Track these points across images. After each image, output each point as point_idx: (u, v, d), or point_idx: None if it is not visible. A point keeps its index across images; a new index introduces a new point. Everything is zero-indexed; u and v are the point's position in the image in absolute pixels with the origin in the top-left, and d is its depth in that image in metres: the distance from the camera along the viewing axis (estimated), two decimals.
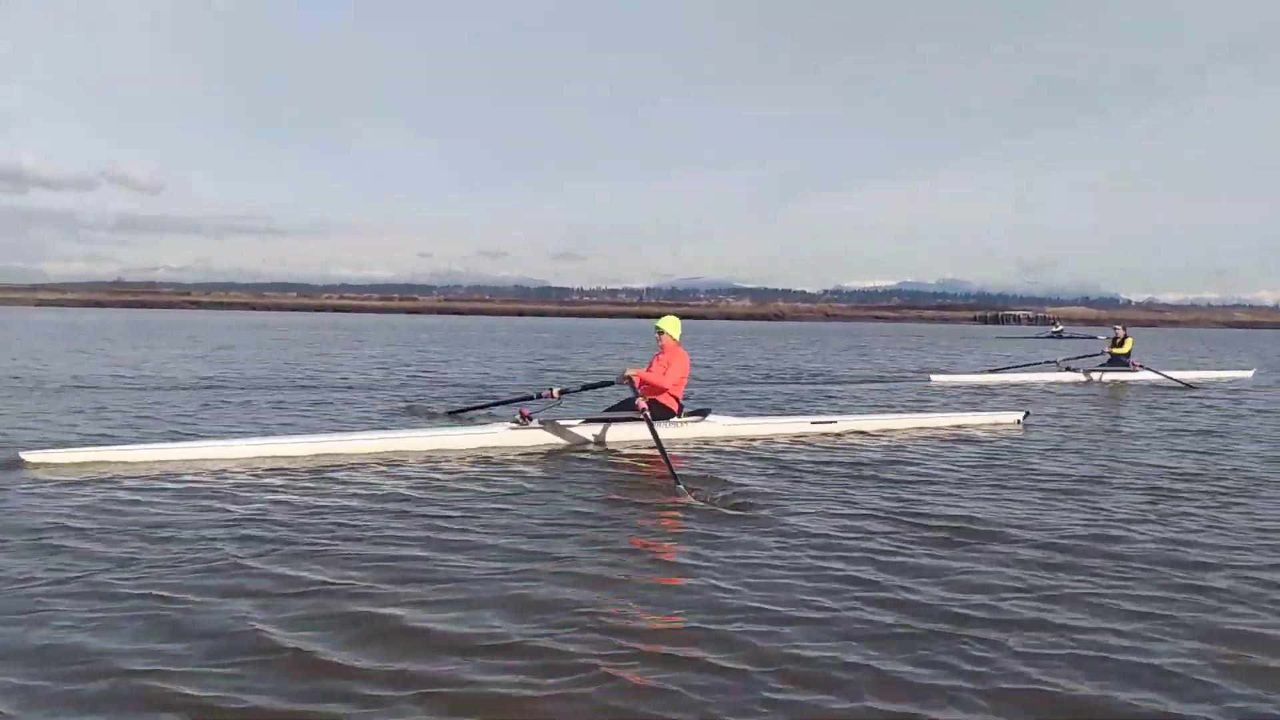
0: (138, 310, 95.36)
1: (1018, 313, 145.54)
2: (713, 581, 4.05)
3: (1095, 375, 16.61)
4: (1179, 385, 16.03)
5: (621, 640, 3.34)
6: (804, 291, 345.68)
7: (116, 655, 3.14)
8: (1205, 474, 7.11)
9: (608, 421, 8.02)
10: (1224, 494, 6.31)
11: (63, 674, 2.98)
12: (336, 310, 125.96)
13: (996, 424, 9.82)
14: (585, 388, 8.83)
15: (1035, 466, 7.33)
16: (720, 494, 5.92)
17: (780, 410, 11.09)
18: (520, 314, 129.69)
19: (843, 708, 2.87)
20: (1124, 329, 17.49)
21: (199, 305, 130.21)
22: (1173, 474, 7.10)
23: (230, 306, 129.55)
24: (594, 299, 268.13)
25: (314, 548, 4.44)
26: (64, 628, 3.38)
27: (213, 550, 4.35)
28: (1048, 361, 17.96)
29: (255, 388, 12.58)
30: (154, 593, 3.75)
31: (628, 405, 7.86)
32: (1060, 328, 56.16)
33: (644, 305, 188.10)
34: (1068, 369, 16.83)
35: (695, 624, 3.53)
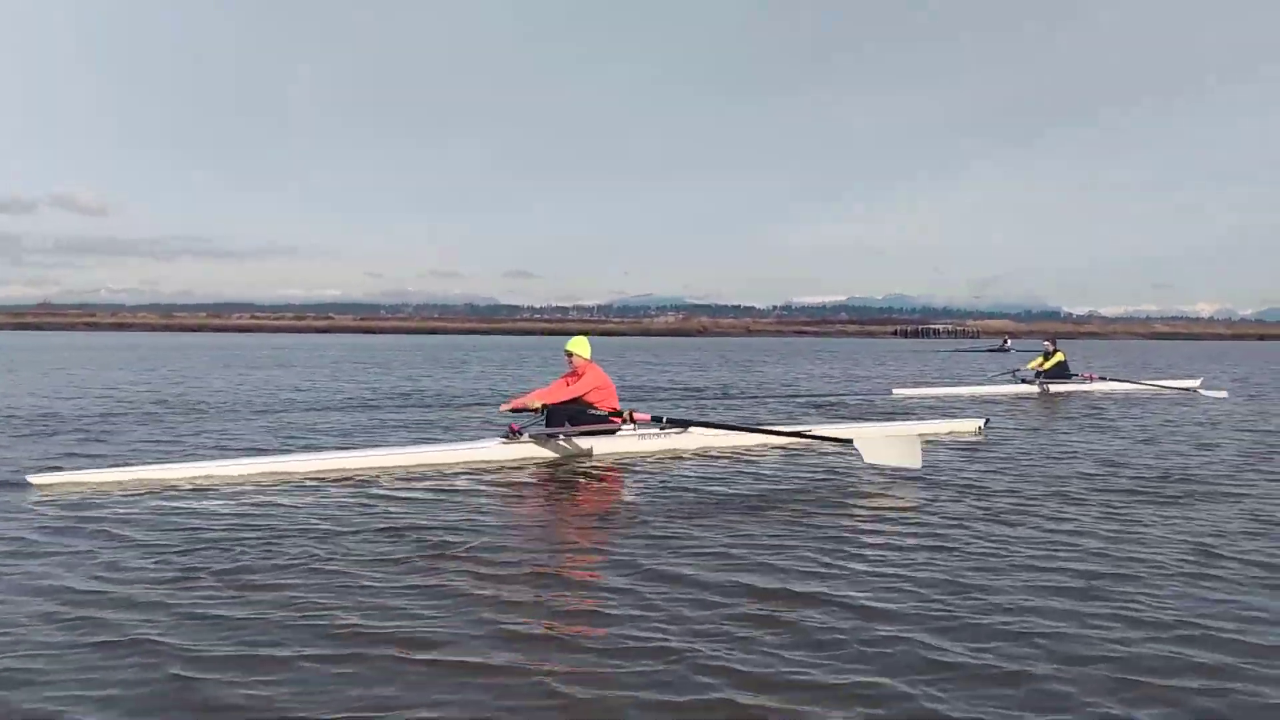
0: (34, 333, 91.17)
1: (937, 326, 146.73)
2: (706, 583, 4.17)
3: (1050, 387, 16.92)
4: (1131, 393, 16.51)
5: (612, 649, 3.39)
6: (754, 307, 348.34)
7: (122, 672, 3.16)
8: (1154, 475, 7.37)
9: (596, 434, 8.14)
10: (1176, 495, 6.53)
11: (60, 689, 3.01)
12: (242, 331, 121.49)
13: (958, 431, 10.24)
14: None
15: (998, 469, 7.66)
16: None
17: (758, 420, 11.60)
18: (435, 332, 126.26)
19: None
20: (1053, 343, 17.69)
21: (96, 327, 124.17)
22: (1122, 475, 7.36)
23: (133, 328, 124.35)
24: (545, 317, 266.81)
25: (313, 564, 4.44)
26: (68, 645, 3.42)
27: (202, 566, 4.38)
28: (1004, 374, 18.28)
29: None
30: (155, 615, 3.75)
31: (601, 419, 8.02)
32: (1007, 341, 56.99)
33: (591, 322, 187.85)
34: (1023, 381, 17.20)
35: (693, 625, 3.62)
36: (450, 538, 5.03)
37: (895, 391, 16.56)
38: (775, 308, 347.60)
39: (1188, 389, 17.78)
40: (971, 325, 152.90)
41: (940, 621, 3.68)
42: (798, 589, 4.10)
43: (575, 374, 8.22)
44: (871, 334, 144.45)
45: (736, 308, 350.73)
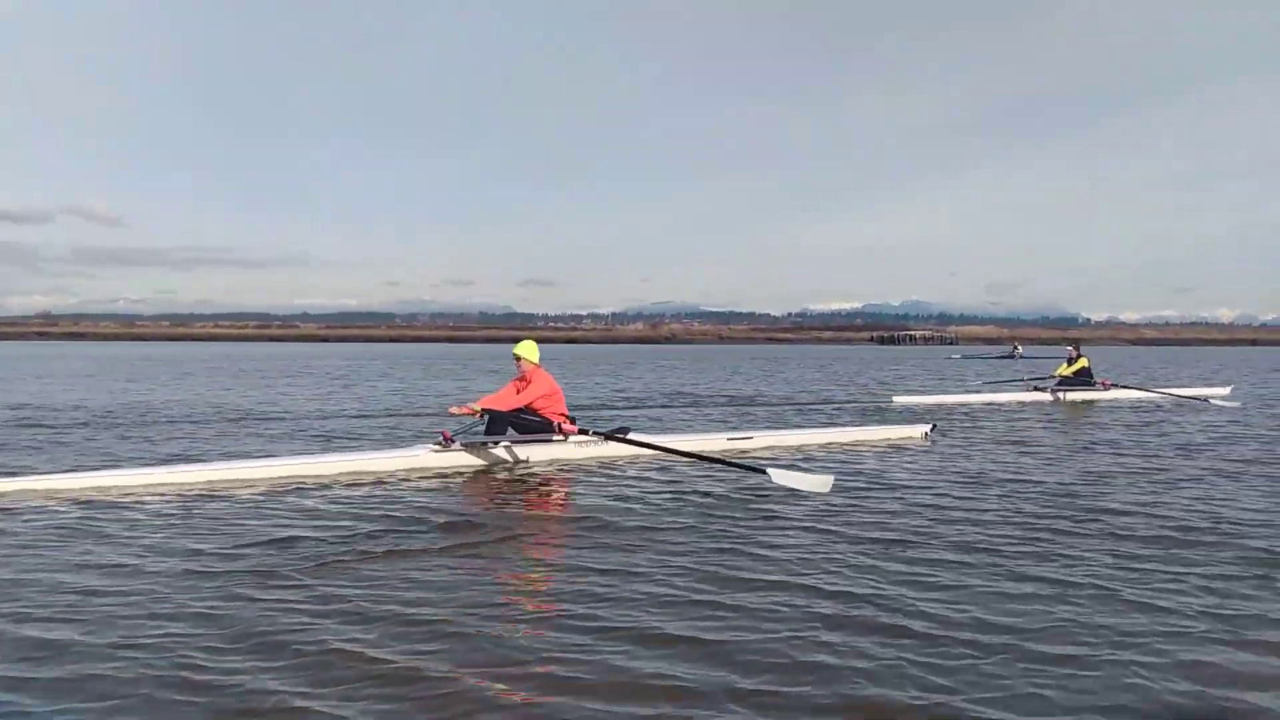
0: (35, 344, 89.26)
1: (914, 332, 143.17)
2: (609, 590, 4.16)
3: (1061, 395, 16.31)
4: (1148, 401, 16.02)
5: (546, 663, 3.32)
6: (769, 315, 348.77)
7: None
8: (1079, 488, 7.08)
9: (530, 442, 8.03)
10: (1085, 512, 6.22)
11: None
12: (211, 339, 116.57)
13: (904, 437, 10.13)
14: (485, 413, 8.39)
15: (915, 477, 7.57)
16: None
17: (704, 428, 11.43)
18: (448, 340, 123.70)
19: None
20: (1077, 349, 17.25)
21: (48, 336, 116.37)
22: (1052, 486, 7.14)
23: (102, 337, 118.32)
24: (560, 325, 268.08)
25: (226, 575, 4.37)
26: None
27: (113, 582, 4.27)
28: (1015, 381, 17.52)
29: None
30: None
31: (546, 427, 7.95)
32: (1017, 347, 55.99)
33: (608, 330, 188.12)
34: (1035, 388, 16.63)
35: (614, 627, 3.62)
36: (367, 545, 4.94)
37: (896, 399, 16.05)
38: (790, 314, 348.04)
39: (1203, 398, 17.10)
40: (950, 332, 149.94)
41: (844, 632, 3.66)
42: (717, 599, 4.07)
43: (524, 379, 8.09)
44: (849, 340, 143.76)
45: (752, 314, 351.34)
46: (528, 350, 8.17)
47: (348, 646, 3.40)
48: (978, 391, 17.61)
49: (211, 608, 3.84)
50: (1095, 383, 16.81)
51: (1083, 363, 16.78)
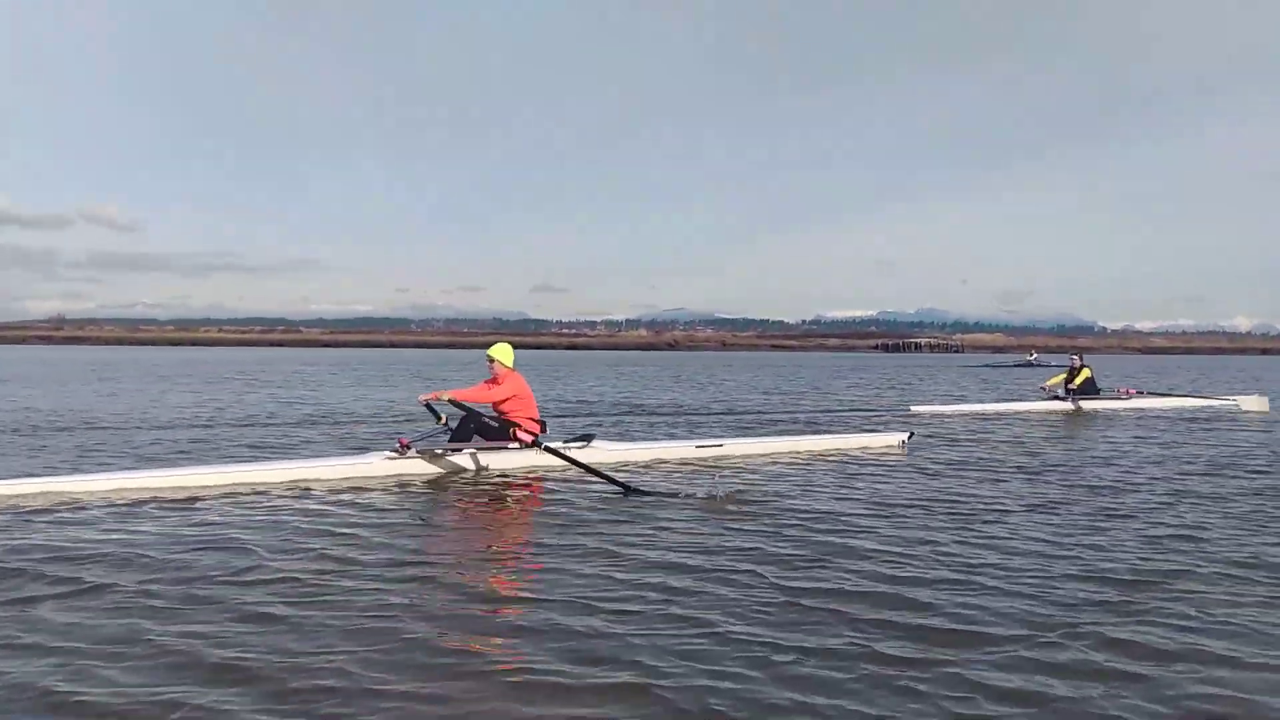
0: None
1: (921, 340, 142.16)
2: (562, 601, 4.17)
3: (1081, 404, 16.18)
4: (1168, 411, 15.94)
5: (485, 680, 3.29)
6: (783, 322, 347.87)
7: None
8: (1041, 499, 7.07)
9: (488, 450, 8.00)
10: (1030, 514, 6.28)
11: None
12: (215, 344, 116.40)
13: (879, 445, 9.98)
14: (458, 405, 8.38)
15: (879, 487, 7.45)
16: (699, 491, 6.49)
17: (670, 435, 11.25)
18: (458, 346, 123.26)
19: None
20: (1080, 358, 16.92)
21: (52, 340, 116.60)
22: (1041, 500, 7.04)
23: (106, 341, 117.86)
24: (572, 331, 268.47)
25: (166, 585, 4.33)
26: None
27: (62, 588, 4.26)
28: (1040, 390, 17.40)
29: None
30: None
31: (503, 434, 7.94)
32: (1033, 354, 55.99)
33: (611, 336, 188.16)
34: (1055, 397, 16.45)
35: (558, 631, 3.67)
36: (302, 560, 4.80)
37: (914, 409, 15.82)
38: (804, 322, 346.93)
39: (1233, 403, 16.66)
40: (957, 340, 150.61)
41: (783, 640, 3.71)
42: (681, 611, 4.02)
43: (495, 381, 8.10)
44: (853, 348, 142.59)
45: (765, 321, 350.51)
46: (501, 353, 8.17)
47: (258, 665, 3.30)
48: (994, 401, 17.43)
49: (119, 625, 3.77)
50: (1117, 391, 16.59)
51: (1086, 373, 16.42)
